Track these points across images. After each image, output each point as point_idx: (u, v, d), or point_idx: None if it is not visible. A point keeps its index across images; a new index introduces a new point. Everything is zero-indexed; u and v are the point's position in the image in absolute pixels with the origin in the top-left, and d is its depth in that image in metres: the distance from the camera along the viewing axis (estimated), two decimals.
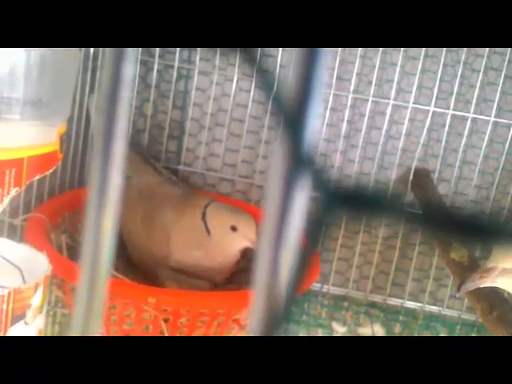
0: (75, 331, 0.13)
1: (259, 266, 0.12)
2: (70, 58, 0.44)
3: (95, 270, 0.13)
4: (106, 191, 0.13)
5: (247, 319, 0.48)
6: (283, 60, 0.64)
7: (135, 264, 0.56)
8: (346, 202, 0.11)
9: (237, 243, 0.52)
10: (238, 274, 0.56)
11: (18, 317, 0.36)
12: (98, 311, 0.13)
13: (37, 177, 0.43)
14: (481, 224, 0.11)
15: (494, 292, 0.45)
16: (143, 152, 0.67)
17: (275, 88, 0.12)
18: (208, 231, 0.52)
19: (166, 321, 0.45)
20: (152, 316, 0.45)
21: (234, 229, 0.52)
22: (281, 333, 0.12)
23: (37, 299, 0.37)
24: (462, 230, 0.11)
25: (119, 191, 0.13)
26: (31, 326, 0.37)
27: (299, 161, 0.11)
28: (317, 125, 0.12)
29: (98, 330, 0.14)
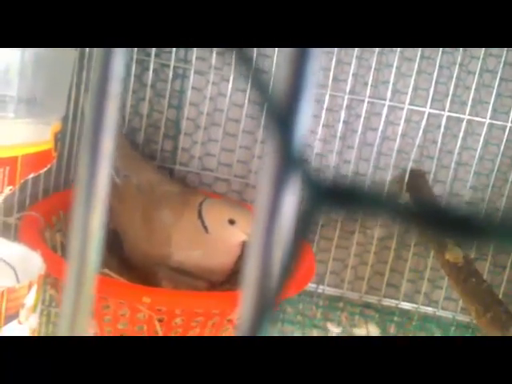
0: (62, 330, 0.13)
1: (249, 262, 0.12)
2: (65, 55, 0.44)
3: (82, 267, 0.13)
4: (94, 186, 0.13)
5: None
6: (279, 59, 0.64)
7: (130, 263, 0.56)
8: (337, 201, 0.11)
9: (235, 236, 0.52)
10: (235, 274, 0.56)
11: (12, 316, 0.36)
12: (86, 309, 0.13)
13: (31, 175, 0.43)
14: (476, 223, 0.11)
15: (489, 293, 0.45)
16: (140, 150, 0.67)
17: (266, 86, 0.11)
18: (206, 229, 0.52)
19: (160, 321, 0.45)
20: (146, 316, 0.45)
21: (231, 222, 0.52)
22: (270, 329, 0.12)
23: (30, 298, 0.37)
24: (457, 229, 0.11)
25: (107, 186, 0.13)
26: (24, 326, 0.37)
27: (289, 160, 0.11)
28: (308, 124, 0.12)
29: (85, 328, 0.14)
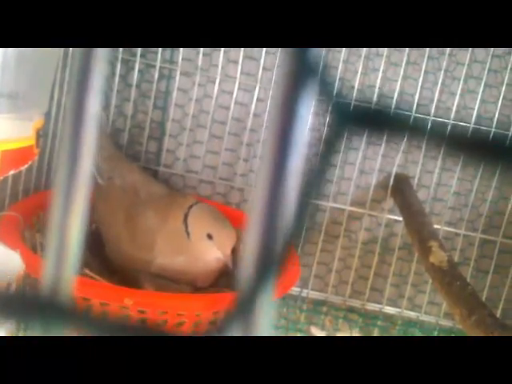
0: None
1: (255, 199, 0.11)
2: (48, 50, 0.43)
3: (60, 268, 0.12)
4: (74, 185, 0.12)
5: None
6: None
7: (111, 265, 0.55)
8: (364, 121, 0.11)
9: (211, 252, 0.51)
10: (219, 277, 0.55)
11: None
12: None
13: (11, 172, 0.42)
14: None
15: (474, 297, 0.45)
16: (124, 151, 0.66)
17: None
18: (188, 234, 0.51)
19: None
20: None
21: (209, 237, 0.51)
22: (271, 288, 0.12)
23: None
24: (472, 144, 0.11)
25: (88, 185, 0.12)
26: (3, 327, 0.36)
27: (305, 67, 0.11)
28: None
29: (63, 330, 0.13)
